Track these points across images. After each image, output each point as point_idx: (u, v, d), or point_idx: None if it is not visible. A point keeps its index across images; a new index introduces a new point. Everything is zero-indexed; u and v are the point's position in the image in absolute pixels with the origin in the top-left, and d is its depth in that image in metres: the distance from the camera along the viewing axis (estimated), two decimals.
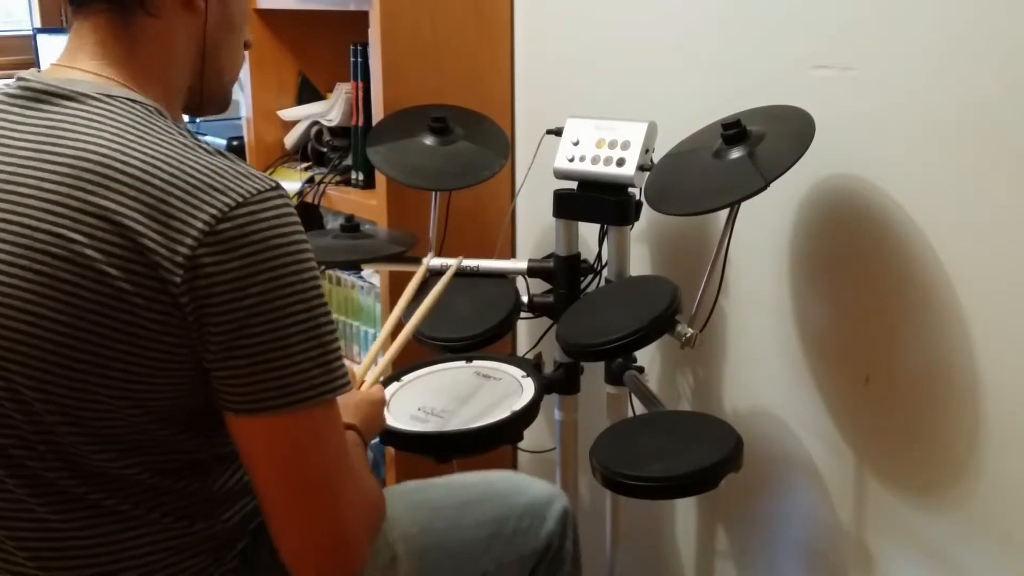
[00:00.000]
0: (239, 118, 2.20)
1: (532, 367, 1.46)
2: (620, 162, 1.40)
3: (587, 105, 1.70)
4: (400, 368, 1.48)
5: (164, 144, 0.86)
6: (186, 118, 2.95)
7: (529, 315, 1.62)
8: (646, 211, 1.43)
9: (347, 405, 1.11)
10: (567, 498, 1.31)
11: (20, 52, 2.95)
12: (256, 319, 0.84)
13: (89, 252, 0.82)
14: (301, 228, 0.88)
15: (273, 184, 0.87)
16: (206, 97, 1.03)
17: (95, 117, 0.87)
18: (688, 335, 1.27)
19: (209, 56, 0.99)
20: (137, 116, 0.88)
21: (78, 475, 0.90)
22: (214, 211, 0.83)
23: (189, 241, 0.82)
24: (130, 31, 0.93)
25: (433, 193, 1.65)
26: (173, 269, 0.82)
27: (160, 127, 0.88)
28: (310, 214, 2.12)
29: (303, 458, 0.88)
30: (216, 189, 0.84)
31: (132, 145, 0.85)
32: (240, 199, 0.84)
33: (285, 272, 0.85)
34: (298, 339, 0.86)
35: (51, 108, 0.89)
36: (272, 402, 0.86)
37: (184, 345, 0.85)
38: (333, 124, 1.97)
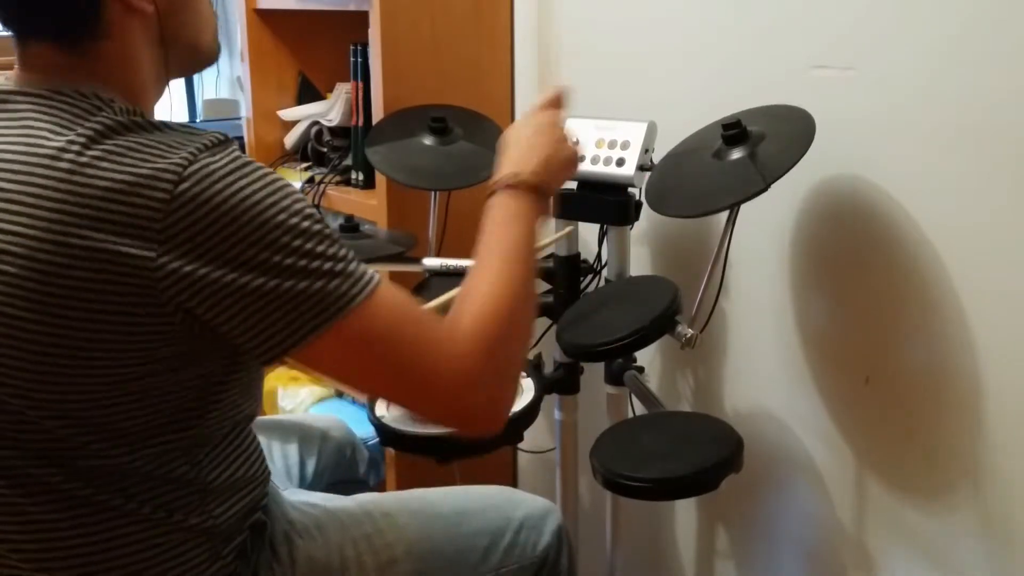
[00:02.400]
0: (239, 118, 2.20)
1: (532, 367, 1.45)
2: (620, 162, 1.40)
3: (587, 105, 1.70)
4: None
5: (110, 130, 0.85)
6: (186, 117, 2.95)
7: None
8: (646, 211, 1.43)
9: (525, 147, 1.07)
10: (561, 515, 1.31)
11: None
12: (252, 262, 0.82)
13: (49, 247, 0.81)
14: (256, 165, 0.86)
15: (220, 137, 0.86)
16: (190, 63, 1.02)
17: (43, 114, 0.86)
18: (688, 335, 1.27)
19: (172, 40, 0.96)
20: (85, 108, 0.87)
21: (68, 470, 0.89)
22: (170, 175, 0.81)
23: (154, 214, 0.81)
24: (85, 57, 0.90)
25: (433, 193, 1.65)
26: (145, 244, 0.81)
27: (107, 115, 0.87)
28: None
29: (378, 360, 0.88)
30: (163, 157, 0.83)
31: (80, 138, 0.84)
32: (190, 157, 0.83)
33: (260, 207, 0.83)
34: (304, 262, 0.84)
35: (9, 107, 0.88)
36: (312, 323, 0.85)
37: (163, 322, 0.84)
38: (333, 124, 1.97)
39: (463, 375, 0.90)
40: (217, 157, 0.84)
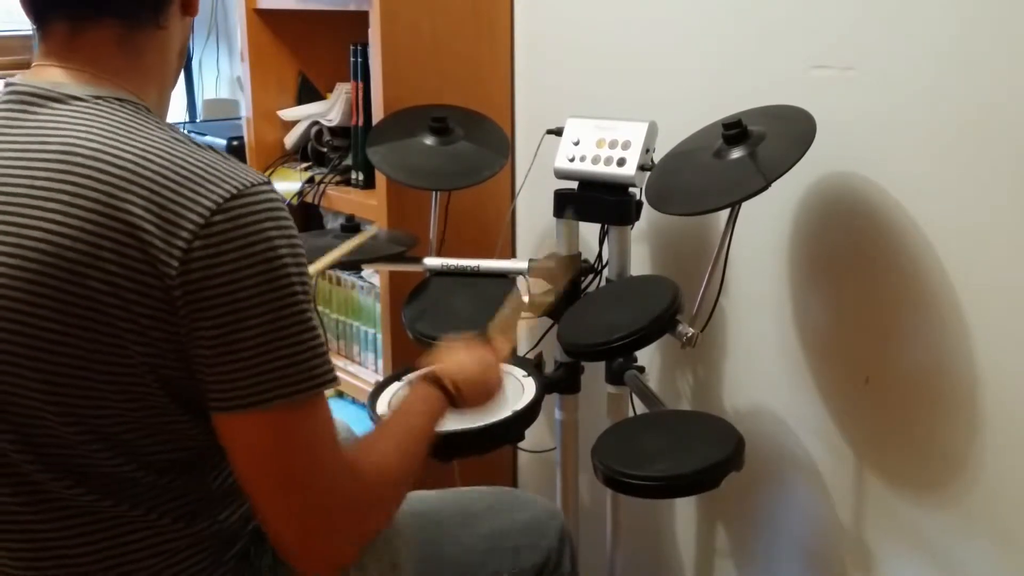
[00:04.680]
0: (239, 118, 2.20)
1: (533, 367, 1.46)
2: (621, 162, 1.40)
3: (587, 105, 1.70)
4: (401, 368, 1.48)
5: (154, 138, 0.86)
6: (186, 116, 2.94)
7: (530, 315, 1.62)
8: (647, 211, 1.43)
9: (456, 361, 1.12)
10: (564, 517, 1.32)
11: (20, 52, 2.94)
12: (255, 310, 0.83)
13: (80, 247, 0.82)
14: (291, 222, 0.88)
15: (264, 179, 0.88)
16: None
17: (83, 116, 0.87)
18: (689, 335, 1.27)
19: (184, 52, 1.03)
20: (125, 114, 0.89)
21: (75, 477, 0.89)
22: (209, 203, 0.83)
23: (185, 234, 0.82)
24: (137, 44, 0.93)
25: (433, 193, 1.65)
26: (168, 261, 0.82)
27: (149, 123, 0.89)
28: (310, 214, 2.12)
29: (291, 449, 0.88)
30: (210, 181, 0.84)
31: (122, 140, 0.85)
32: (235, 191, 0.84)
33: (281, 264, 0.84)
34: (297, 329, 0.85)
35: (41, 111, 0.88)
36: (277, 392, 0.85)
37: (170, 340, 0.85)
38: (333, 124, 1.97)
39: (354, 495, 0.92)
40: (257, 199, 0.85)
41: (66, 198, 0.83)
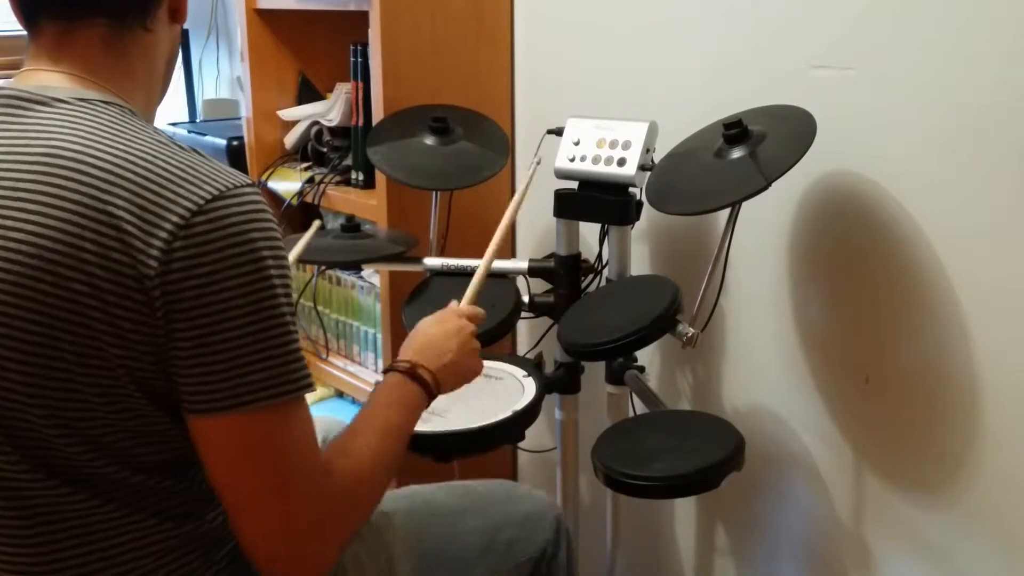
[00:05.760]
0: (239, 118, 2.20)
1: (533, 367, 1.46)
2: (621, 162, 1.40)
3: (587, 105, 1.70)
4: None
5: (138, 140, 0.86)
6: (186, 116, 2.94)
7: (530, 315, 1.62)
8: (647, 211, 1.43)
9: (432, 346, 1.11)
10: (561, 509, 1.31)
11: (20, 52, 2.94)
12: (234, 312, 0.83)
13: (62, 247, 0.82)
14: (275, 224, 0.87)
15: (248, 181, 0.88)
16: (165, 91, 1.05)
17: (67, 119, 0.87)
18: (689, 335, 1.27)
19: (172, 62, 1.03)
20: (110, 116, 0.89)
21: (62, 479, 0.88)
22: (190, 203, 0.83)
23: (164, 234, 0.82)
24: (124, 45, 0.94)
25: (433, 193, 1.65)
26: (148, 261, 0.81)
27: (134, 126, 0.89)
28: (310, 214, 2.12)
29: (267, 454, 0.88)
30: (191, 182, 0.84)
31: (104, 142, 0.85)
32: (216, 192, 0.84)
33: (263, 266, 0.84)
34: (277, 332, 0.85)
35: (26, 114, 0.88)
36: (255, 396, 0.85)
37: (147, 343, 0.84)
38: (333, 124, 1.97)
39: (330, 502, 0.91)
40: (239, 200, 0.85)
41: (48, 199, 0.82)
